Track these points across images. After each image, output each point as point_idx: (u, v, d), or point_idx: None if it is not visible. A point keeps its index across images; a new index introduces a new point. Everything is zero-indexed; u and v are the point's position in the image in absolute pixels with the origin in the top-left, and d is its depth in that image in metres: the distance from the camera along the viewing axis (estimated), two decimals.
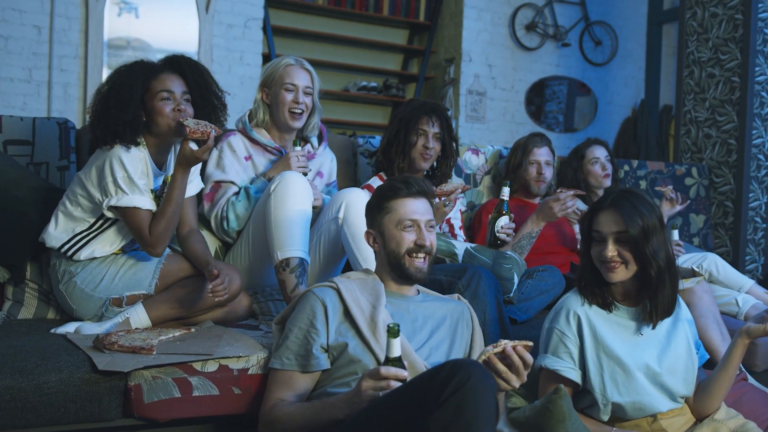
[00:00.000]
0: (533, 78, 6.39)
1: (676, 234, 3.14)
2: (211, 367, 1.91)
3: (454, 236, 2.88)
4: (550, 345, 1.90)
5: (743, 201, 3.97)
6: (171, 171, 2.28)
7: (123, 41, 4.99)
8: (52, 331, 2.12)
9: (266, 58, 5.48)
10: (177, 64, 2.27)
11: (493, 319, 2.25)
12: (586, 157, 3.31)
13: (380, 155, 2.80)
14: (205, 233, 2.48)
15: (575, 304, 1.91)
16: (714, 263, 3.00)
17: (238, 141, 2.58)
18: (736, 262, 3.94)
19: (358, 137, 3.17)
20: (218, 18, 5.20)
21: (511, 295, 2.51)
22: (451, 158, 2.81)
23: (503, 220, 2.61)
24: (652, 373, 1.85)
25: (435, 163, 2.81)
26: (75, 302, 2.22)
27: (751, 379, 2.27)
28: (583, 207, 3.16)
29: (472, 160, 3.32)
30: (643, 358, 1.86)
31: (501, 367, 1.58)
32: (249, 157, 2.58)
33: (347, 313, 1.80)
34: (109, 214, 2.18)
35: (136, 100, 2.15)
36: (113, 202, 2.12)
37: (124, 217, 2.16)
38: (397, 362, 1.54)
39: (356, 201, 2.32)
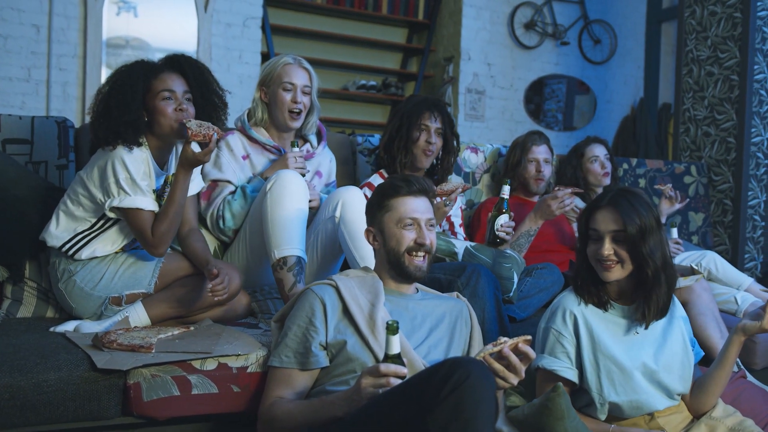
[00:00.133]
0: (532, 76, 6.38)
1: (675, 232, 3.14)
2: (210, 365, 1.91)
3: (454, 234, 2.88)
4: (547, 345, 1.89)
5: (742, 199, 3.97)
6: (173, 170, 2.27)
7: (122, 40, 4.99)
8: (51, 329, 2.12)
9: (265, 56, 5.48)
10: (177, 63, 2.26)
11: (492, 317, 2.24)
12: (585, 155, 3.32)
13: (381, 152, 2.80)
14: (204, 232, 2.47)
15: (571, 304, 1.90)
16: (713, 261, 3.00)
17: (236, 140, 2.58)
18: (735, 260, 3.94)
19: (357, 136, 3.16)
20: (217, 17, 5.20)
21: (511, 294, 2.51)
22: (453, 153, 2.81)
23: (503, 219, 2.61)
24: (649, 371, 1.85)
25: (437, 159, 2.81)
26: (74, 301, 2.22)
27: (749, 377, 2.27)
28: (582, 205, 3.16)
29: (471, 159, 3.33)
30: (640, 357, 1.86)
31: (498, 366, 1.58)
32: (246, 156, 2.58)
33: (346, 311, 1.80)
34: (111, 215, 2.18)
35: (138, 100, 2.15)
36: (115, 203, 2.12)
37: (127, 218, 2.16)
38: (397, 359, 1.54)
39: (353, 200, 2.31)
